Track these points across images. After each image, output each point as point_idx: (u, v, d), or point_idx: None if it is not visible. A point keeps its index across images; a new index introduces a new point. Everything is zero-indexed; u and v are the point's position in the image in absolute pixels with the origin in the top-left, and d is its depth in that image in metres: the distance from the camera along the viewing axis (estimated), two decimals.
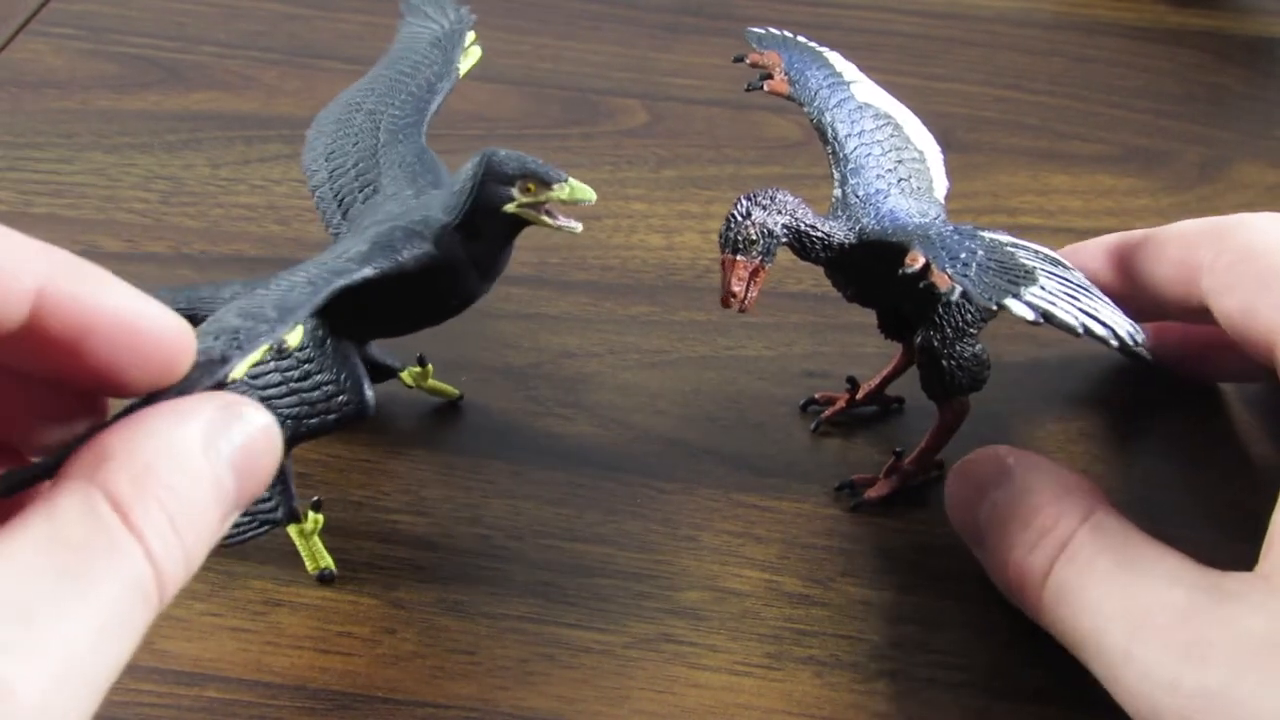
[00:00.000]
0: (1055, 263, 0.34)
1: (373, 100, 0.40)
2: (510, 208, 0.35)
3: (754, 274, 0.35)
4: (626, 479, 0.40)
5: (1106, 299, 0.33)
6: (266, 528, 0.36)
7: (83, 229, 0.48)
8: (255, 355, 0.29)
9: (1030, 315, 0.30)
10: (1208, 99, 0.56)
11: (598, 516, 0.39)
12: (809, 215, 0.36)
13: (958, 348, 0.38)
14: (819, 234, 0.36)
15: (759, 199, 0.35)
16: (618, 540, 0.39)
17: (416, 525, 0.39)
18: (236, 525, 0.36)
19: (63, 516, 0.23)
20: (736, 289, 0.35)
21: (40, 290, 0.25)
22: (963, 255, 0.33)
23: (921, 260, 0.33)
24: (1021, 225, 0.49)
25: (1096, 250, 0.39)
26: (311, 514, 0.37)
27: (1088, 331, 0.31)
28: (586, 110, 0.54)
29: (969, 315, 0.37)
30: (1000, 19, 0.60)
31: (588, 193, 0.35)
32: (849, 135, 0.38)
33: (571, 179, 0.35)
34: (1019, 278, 0.31)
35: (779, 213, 0.35)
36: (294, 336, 0.31)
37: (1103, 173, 0.52)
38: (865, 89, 0.40)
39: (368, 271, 0.33)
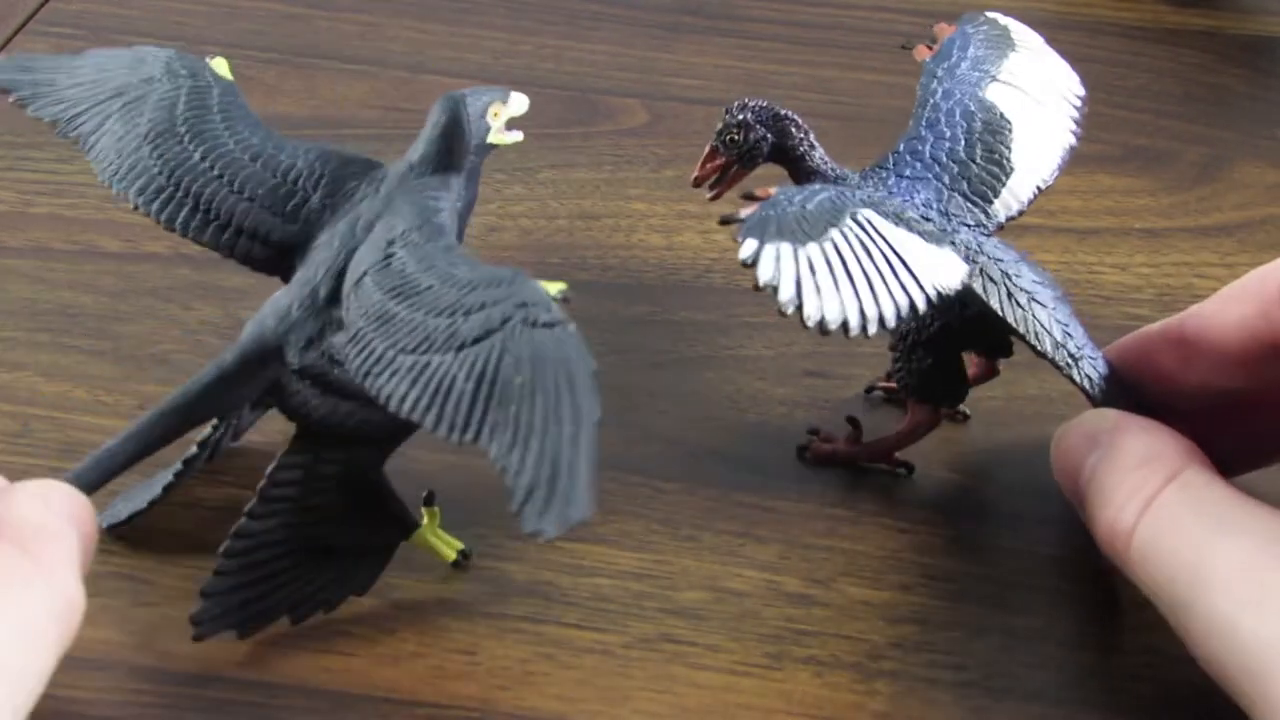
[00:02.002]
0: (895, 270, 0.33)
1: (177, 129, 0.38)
2: (493, 137, 0.36)
3: (727, 169, 0.37)
4: (626, 478, 0.40)
5: (901, 295, 0.32)
6: (395, 545, 0.36)
7: (82, 228, 0.48)
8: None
9: (744, 254, 0.31)
10: (1208, 99, 0.56)
11: (598, 516, 0.39)
12: (808, 146, 0.37)
13: (918, 352, 0.38)
14: (808, 166, 0.37)
15: (760, 111, 0.37)
16: (618, 540, 0.39)
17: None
18: (369, 568, 0.36)
19: None
20: (699, 173, 0.38)
21: None
22: (794, 203, 0.33)
23: (771, 193, 0.33)
24: (1022, 225, 0.49)
25: (1149, 332, 0.37)
26: (426, 510, 0.37)
27: (772, 289, 0.31)
28: (586, 110, 0.54)
29: (932, 326, 0.38)
30: None
31: (523, 102, 0.38)
32: (933, 120, 0.38)
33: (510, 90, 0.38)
34: (797, 234, 0.32)
35: (772, 132, 0.37)
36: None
37: (1102, 172, 0.52)
38: (1012, 94, 0.39)
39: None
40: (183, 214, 0.37)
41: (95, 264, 0.46)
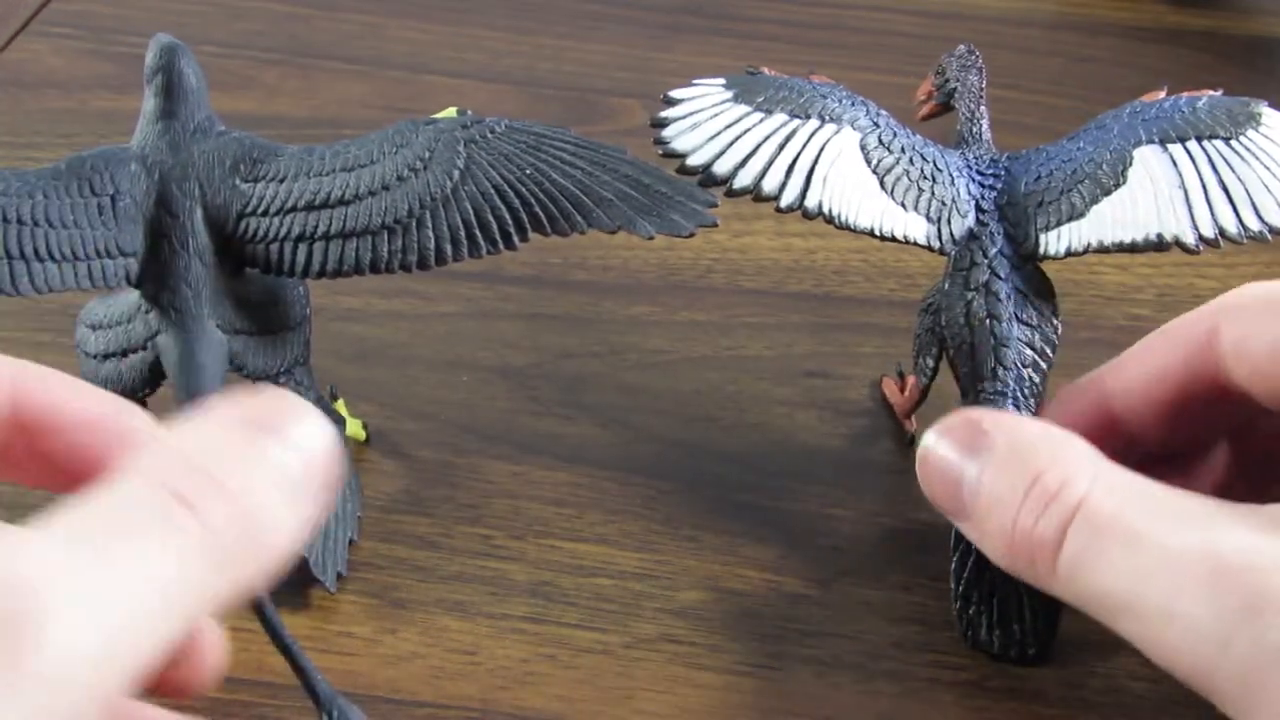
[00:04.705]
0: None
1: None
2: None
3: (929, 95, 0.41)
4: (627, 479, 0.40)
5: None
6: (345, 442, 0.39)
7: None
8: None
9: (697, 79, 0.37)
10: None
11: (598, 516, 0.39)
12: (964, 105, 0.40)
13: (923, 317, 0.39)
14: (964, 115, 0.40)
15: (967, 59, 0.41)
16: (618, 540, 0.39)
17: (417, 525, 0.39)
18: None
19: (115, 488, 0.23)
20: (919, 95, 0.42)
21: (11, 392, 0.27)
22: (809, 93, 0.37)
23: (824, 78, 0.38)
24: None
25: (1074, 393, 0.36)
26: (335, 403, 0.40)
27: (668, 104, 0.37)
28: (586, 110, 0.54)
29: (942, 292, 0.38)
30: (1000, 19, 0.60)
31: None
32: (1071, 142, 0.38)
33: None
34: (747, 98, 0.37)
35: (960, 83, 0.40)
36: None
37: None
38: (1162, 166, 0.37)
39: None
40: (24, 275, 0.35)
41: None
